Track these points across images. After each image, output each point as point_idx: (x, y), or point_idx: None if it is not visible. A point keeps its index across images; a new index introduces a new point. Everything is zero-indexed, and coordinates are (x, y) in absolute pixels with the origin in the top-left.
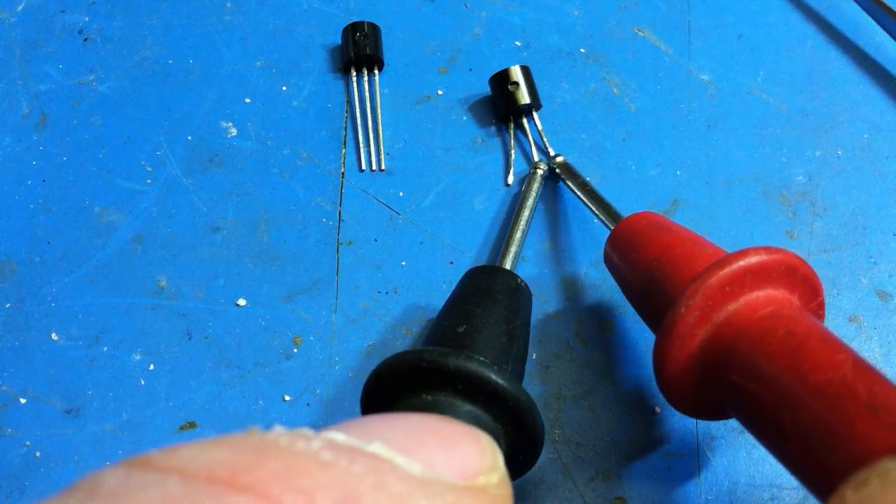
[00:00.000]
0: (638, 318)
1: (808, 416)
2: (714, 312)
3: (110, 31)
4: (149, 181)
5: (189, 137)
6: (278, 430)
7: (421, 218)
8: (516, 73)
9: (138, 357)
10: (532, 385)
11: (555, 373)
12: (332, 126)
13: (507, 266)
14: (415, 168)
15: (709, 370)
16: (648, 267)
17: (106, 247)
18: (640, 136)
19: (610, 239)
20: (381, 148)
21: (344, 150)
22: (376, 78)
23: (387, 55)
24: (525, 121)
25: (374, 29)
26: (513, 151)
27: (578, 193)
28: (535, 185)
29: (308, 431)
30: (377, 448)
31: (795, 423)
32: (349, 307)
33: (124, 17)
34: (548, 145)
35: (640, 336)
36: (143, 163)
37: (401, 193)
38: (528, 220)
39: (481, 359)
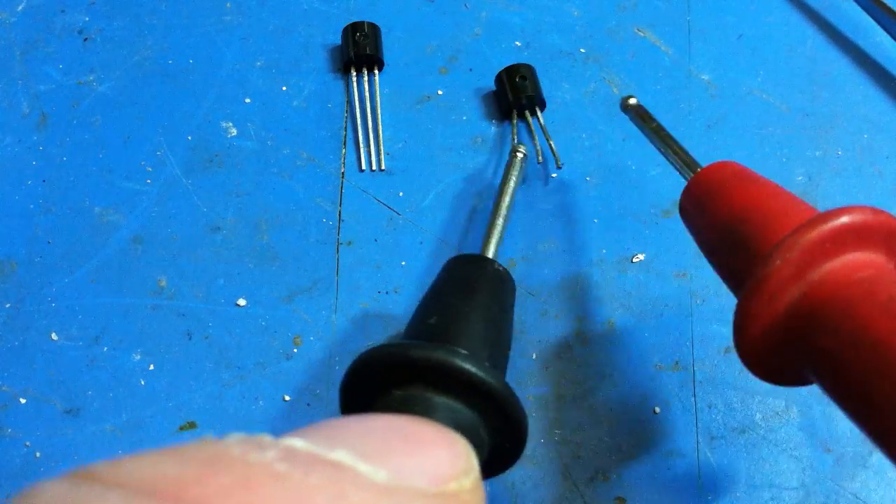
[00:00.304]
0: (639, 317)
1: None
2: (809, 270)
3: (110, 31)
4: (149, 181)
5: (189, 137)
6: (233, 438)
7: (421, 218)
8: (525, 69)
9: (138, 357)
10: (532, 385)
11: (555, 373)
12: (332, 126)
13: (489, 254)
14: (415, 168)
15: (796, 332)
16: (734, 219)
17: (106, 247)
18: (640, 136)
19: (687, 188)
20: (381, 148)
21: (344, 150)
22: (376, 78)
23: (387, 55)
24: (529, 119)
25: (374, 29)
26: (514, 139)
27: (653, 139)
28: (515, 171)
29: (266, 439)
30: (339, 455)
31: (890, 393)
32: (349, 307)
33: (124, 17)
34: (551, 143)
35: (641, 336)
36: (143, 163)
37: (401, 193)
38: (508, 207)
39: (453, 348)
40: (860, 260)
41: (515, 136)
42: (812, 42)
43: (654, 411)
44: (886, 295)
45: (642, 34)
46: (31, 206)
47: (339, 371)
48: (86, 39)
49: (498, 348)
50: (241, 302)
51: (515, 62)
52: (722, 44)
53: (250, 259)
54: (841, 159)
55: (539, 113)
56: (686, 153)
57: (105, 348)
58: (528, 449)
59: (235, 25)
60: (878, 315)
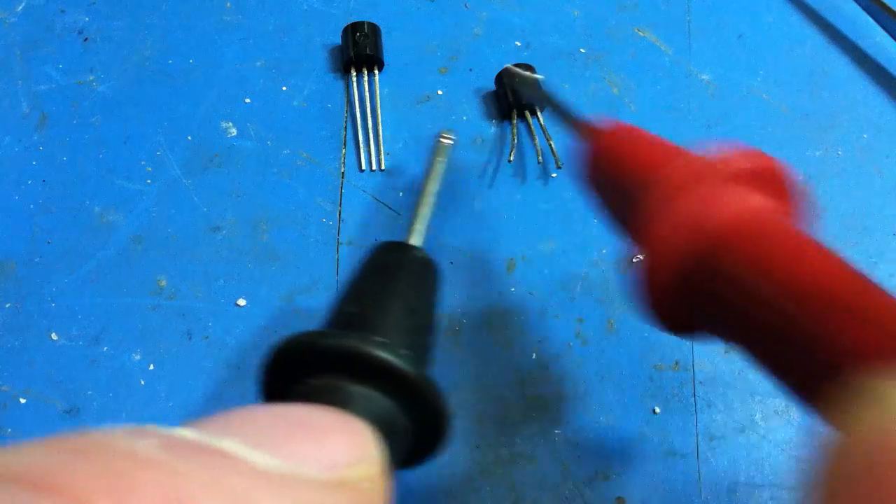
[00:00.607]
0: (638, 317)
1: (798, 322)
2: (702, 219)
3: (110, 31)
4: (149, 181)
5: (189, 137)
6: (117, 428)
7: None
8: (525, 68)
9: (138, 357)
10: (532, 385)
11: (555, 373)
12: (332, 126)
13: (415, 241)
14: (415, 168)
15: (693, 279)
16: (630, 177)
17: (106, 247)
18: None
19: (587, 154)
20: (381, 148)
21: (344, 150)
22: (376, 78)
23: (387, 55)
24: (529, 119)
25: (374, 29)
26: (514, 138)
27: (553, 111)
28: (441, 157)
29: (152, 428)
30: (227, 444)
31: (784, 330)
32: None
33: (124, 17)
34: (552, 143)
35: (641, 336)
36: (143, 163)
37: (401, 193)
38: (435, 193)
39: (367, 336)
40: (752, 204)
41: (515, 137)
42: (812, 42)
43: (654, 411)
44: (777, 237)
45: (642, 34)
46: (31, 206)
47: None
48: (86, 39)
49: (419, 336)
50: (241, 302)
51: (515, 62)
52: (722, 44)
53: (250, 259)
54: (841, 159)
55: (539, 113)
56: (583, 120)
57: (105, 348)
58: (528, 449)
59: (235, 25)
60: (769, 256)
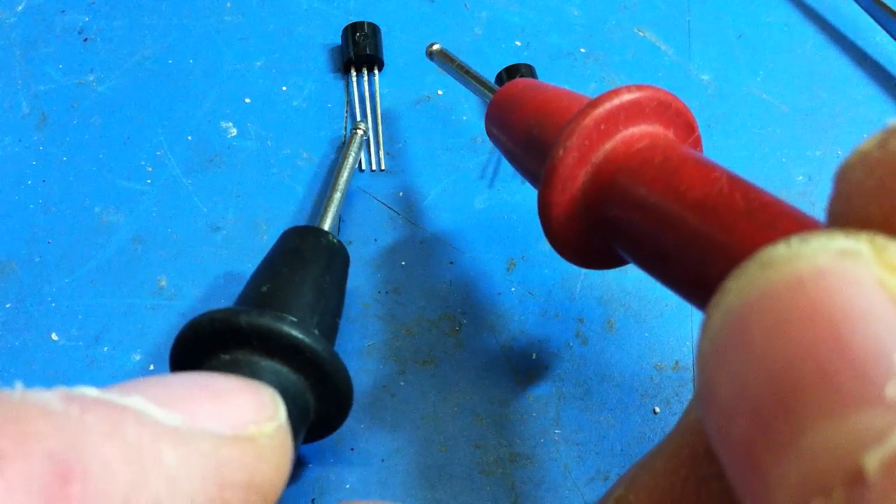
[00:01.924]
0: (638, 316)
1: (688, 231)
2: (592, 153)
3: (110, 31)
4: (149, 181)
5: (189, 137)
6: (18, 385)
7: (421, 218)
8: (525, 69)
9: (138, 357)
10: (532, 385)
11: (555, 373)
12: (332, 126)
13: (324, 226)
14: (415, 168)
15: (592, 211)
16: (527, 126)
17: (106, 247)
18: None
19: (488, 112)
20: (381, 148)
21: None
22: (376, 78)
23: (387, 55)
24: None
25: (374, 29)
26: None
27: (457, 74)
28: (354, 147)
29: (56, 388)
30: (130, 401)
31: (677, 241)
32: (349, 307)
33: (124, 17)
34: None
35: (641, 336)
36: (143, 163)
37: (400, 194)
38: (346, 181)
39: (280, 314)
40: (637, 134)
41: None
42: (812, 42)
43: (654, 411)
44: (661, 157)
45: (642, 34)
46: (31, 206)
47: None
48: (86, 39)
49: (327, 316)
50: None
51: (515, 62)
52: (722, 44)
53: (250, 259)
54: (841, 159)
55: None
56: (486, 80)
57: (105, 348)
58: (528, 449)
59: (235, 25)
60: (654, 176)
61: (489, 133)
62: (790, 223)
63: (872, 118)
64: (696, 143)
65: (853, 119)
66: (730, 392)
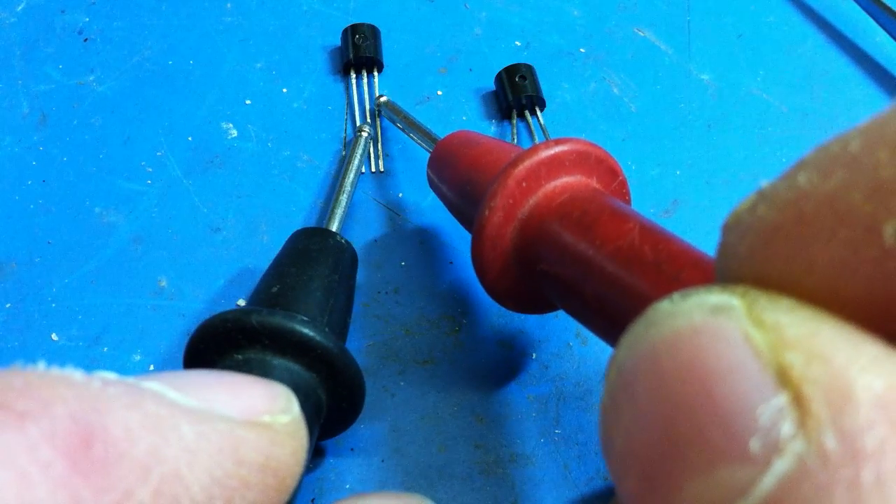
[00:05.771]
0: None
1: (604, 283)
2: (517, 209)
3: (110, 31)
4: (149, 181)
5: (189, 138)
6: (40, 363)
7: (421, 218)
8: (525, 69)
9: (138, 357)
10: (532, 385)
11: (555, 373)
12: (332, 128)
13: (332, 227)
14: (415, 169)
15: (523, 263)
16: (461, 181)
17: (106, 247)
18: (640, 136)
19: (429, 163)
20: (381, 149)
21: (344, 152)
22: (376, 80)
23: (386, 56)
24: (529, 119)
25: (374, 31)
26: (514, 138)
27: (402, 126)
28: (360, 149)
29: (76, 369)
30: (149, 384)
31: (595, 293)
32: None
33: (124, 17)
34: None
35: None
36: (143, 163)
37: (400, 194)
38: (353, 183)
39: (292, 314)
40: (558, 187)
41: (515, 137)
42: (812, 42)
43: None
44: (579, 211)
45: (642, 34)
46: (31, 206)
47: None
48: (86, 39)
49: (337, 314)
50: (241, 302)
51: (515, 62)
52: (722, 44)
53: (250, 259)
54: None
55: (539, 113)
56: (429, 132)
57: (105, 348)
58: (528, 449)
59: (235, 26)
60: (573, 230)
61: (431, 185)
62: (694, 275)
63: None
64: (622, 186)
65: (853, 119)
66: (622, 446)
